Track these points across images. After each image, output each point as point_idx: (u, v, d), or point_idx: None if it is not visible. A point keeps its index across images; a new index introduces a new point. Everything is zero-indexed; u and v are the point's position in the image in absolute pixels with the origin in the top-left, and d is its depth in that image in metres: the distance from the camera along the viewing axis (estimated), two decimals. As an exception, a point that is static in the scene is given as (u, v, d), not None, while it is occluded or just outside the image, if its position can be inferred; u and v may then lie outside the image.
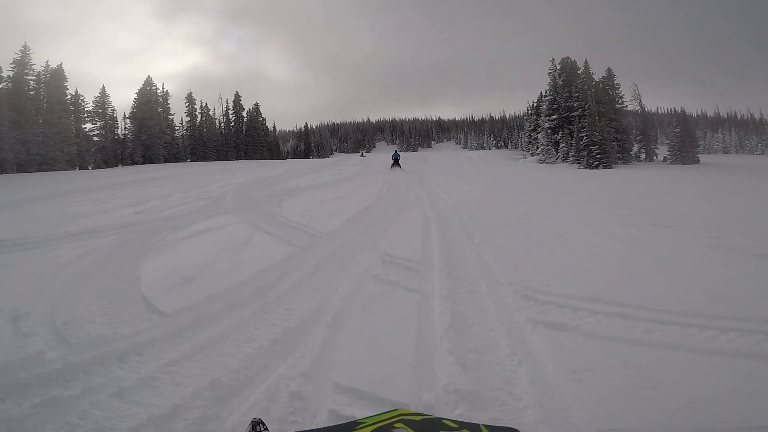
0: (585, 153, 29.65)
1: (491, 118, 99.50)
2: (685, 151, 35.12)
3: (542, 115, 35.14)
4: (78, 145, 37.52)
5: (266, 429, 1.34)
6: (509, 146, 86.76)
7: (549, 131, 33.21)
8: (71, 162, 32.01)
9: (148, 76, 44.61)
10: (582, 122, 31.13)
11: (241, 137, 55.13)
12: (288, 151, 72.13)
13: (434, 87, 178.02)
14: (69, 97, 37.90)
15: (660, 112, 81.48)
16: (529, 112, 55.34)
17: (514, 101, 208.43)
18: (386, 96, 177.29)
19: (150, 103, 43.51)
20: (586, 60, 32.38)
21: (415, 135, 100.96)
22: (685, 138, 35.89)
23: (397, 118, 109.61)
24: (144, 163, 42.10)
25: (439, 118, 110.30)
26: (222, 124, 54.66)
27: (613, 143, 29.89)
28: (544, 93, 42.86)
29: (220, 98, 56.72)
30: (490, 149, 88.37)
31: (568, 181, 17.22)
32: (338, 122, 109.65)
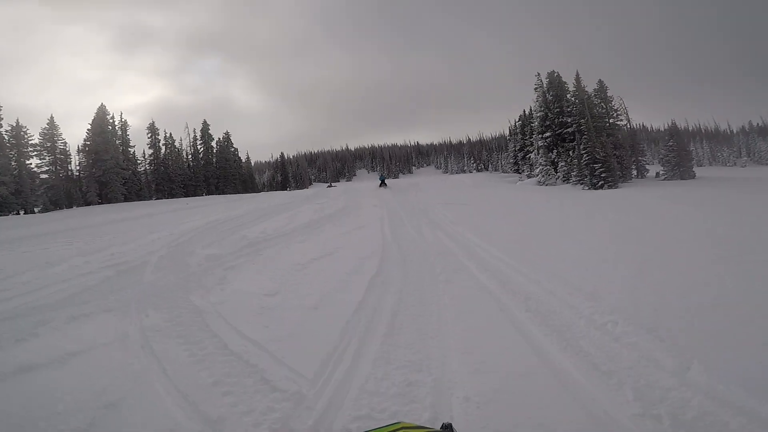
0: (587, 172, 26.70)
1: (469, 140, 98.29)
2: (683, 166, 33.00)
3: (534, 132, 32.38)
4: (18, 183, 32.44)
5: None
6: (489, 168, 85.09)
7: (544, 150, 30.33)
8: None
9: (101, 104, 39.85)
10: (581, 139, 28.41)
11: (211, 170, 50.57)
12: (264, 183, 67.66)
13: (411, 112, 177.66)
14: (8, 128, 33.20)
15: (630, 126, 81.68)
16: (512, 131, 53.31)
17: (491, 123, 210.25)
18: (364, 123, 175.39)
19: (105, 134, 38.68)
20: (577, 72, 30.02)
21: (395, 161, 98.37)
22: (681, 152, 33.92)
23: (377, 145, 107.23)
24: (101, 202, 36.99)
25: (418, 143, 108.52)
26: (190, 156, 50.12)
27: (613, 160, 27.14)
28: (530, 110, 40.61)
29: (187, 128, 52.15)
30: (471, 172, 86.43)
31: (603, 208, 13.67)
32: (316, 151, 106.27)
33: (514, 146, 48.49)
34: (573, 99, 30.71)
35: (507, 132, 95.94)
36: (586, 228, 9.40)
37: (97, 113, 39.50)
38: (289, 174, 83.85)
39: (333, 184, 65.86)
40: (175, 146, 47.98)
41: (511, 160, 49.16)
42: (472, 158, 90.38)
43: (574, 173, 26.39)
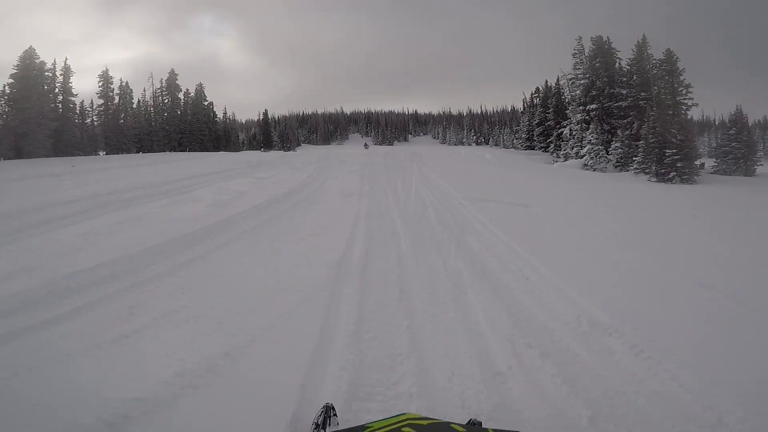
0: (653, 158, 18.57)
1: (470, 112, 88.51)
2: (749, 160, 25.00)
3: (573, 103, 23.76)
4: None
5: (335, 414, 1.51)
6: (490, 142, 76.42)
7: (594, 125, 21.91)
8: None
9: (30, 46, 29.75)
10: (642, 116, 20.12)
11: (174, 124, 41.02)
12: (243, 142, 57.97)
13: (409, 80, 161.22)
14: None
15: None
16: (527, 104, 44.28)
17: (493, 97, 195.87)
18: (359, 88, 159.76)
19: (27, 79, 28.89)
20: (644, 36, 21.18)
21: (391, 127, 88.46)
22: (750, 143, 25.92)
23: (373, 110, 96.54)
24: (17, 157, 27.97)
25: (416, 112, 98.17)
26: (150, 109, 40.40)
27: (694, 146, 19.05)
28: (557, 81, 31.69)
29: (151, 77, 41.75)
30: (470, 145, 77.55)
31: None
32: (309, 112, 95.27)
33: (529, 120, 39.80)
34: (630, 68, 21.92)
35: (510, 107, 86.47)
36: None
37: (21, 57, 29.40)
38: (275, 133, 74.01)
39: (293, 148, 53.00)
40: (129, 96, 38.11)
41: (524, 135, 40.63)
42: (472, 131, 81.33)
43: (637, 159, 18.14)
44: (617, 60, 23.58)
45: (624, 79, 21.83)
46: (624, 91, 21.88)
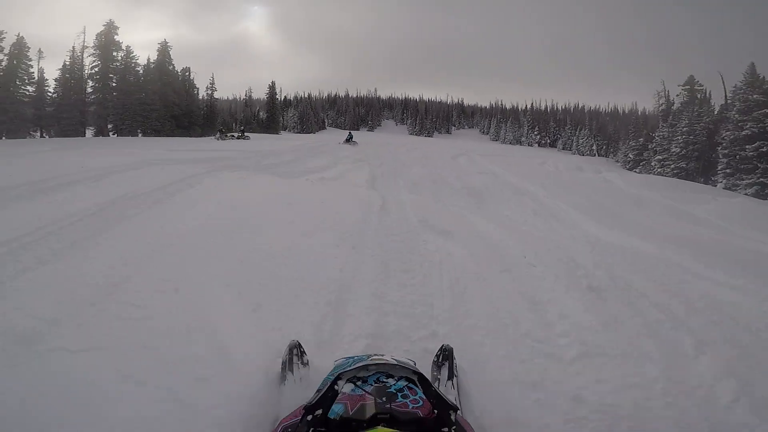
0: None
1: (532, 107, 68.00)
2: None
3: None
4: None
5: (303, 352, 1.45)
6: (558, 145, 57.29)
7: None
8: None
9: None
10: None
11: (107, 96, 26.17)
12: (233, 121, 42.48)
13: (455, 70, 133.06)
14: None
15: None
16: (670, 102, 25.47)
17: (556, 93, 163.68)
18: (397, 74, 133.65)
19: None
20: None
21: (431, 116, 70.31)
22: None
23: (411, 97, 77.92)
24: None
25: (462, 101, 78.51)
26: (68, 77, 25.58)
27: None
28: None
29: (83, 34, 26.27)
30: (530, 146, 58.45)
31: None
32: (341, 95, 78.17)
33: (687, 127, 21.40)
34: None
35: (575, 105, 65.37)
36: None
37: None
38: (293, 114, 58.70)
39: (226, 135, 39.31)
40: (25, 59, 23.23)
41: (677, 150, 22.31)
42: (536, 128, 61.76)
43: None
44: None
45: None
46: None
